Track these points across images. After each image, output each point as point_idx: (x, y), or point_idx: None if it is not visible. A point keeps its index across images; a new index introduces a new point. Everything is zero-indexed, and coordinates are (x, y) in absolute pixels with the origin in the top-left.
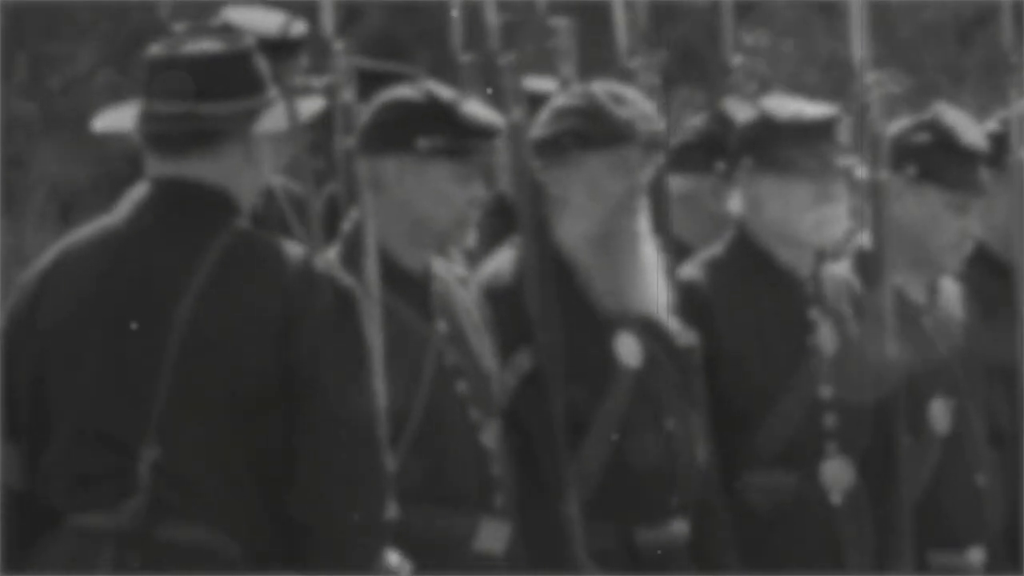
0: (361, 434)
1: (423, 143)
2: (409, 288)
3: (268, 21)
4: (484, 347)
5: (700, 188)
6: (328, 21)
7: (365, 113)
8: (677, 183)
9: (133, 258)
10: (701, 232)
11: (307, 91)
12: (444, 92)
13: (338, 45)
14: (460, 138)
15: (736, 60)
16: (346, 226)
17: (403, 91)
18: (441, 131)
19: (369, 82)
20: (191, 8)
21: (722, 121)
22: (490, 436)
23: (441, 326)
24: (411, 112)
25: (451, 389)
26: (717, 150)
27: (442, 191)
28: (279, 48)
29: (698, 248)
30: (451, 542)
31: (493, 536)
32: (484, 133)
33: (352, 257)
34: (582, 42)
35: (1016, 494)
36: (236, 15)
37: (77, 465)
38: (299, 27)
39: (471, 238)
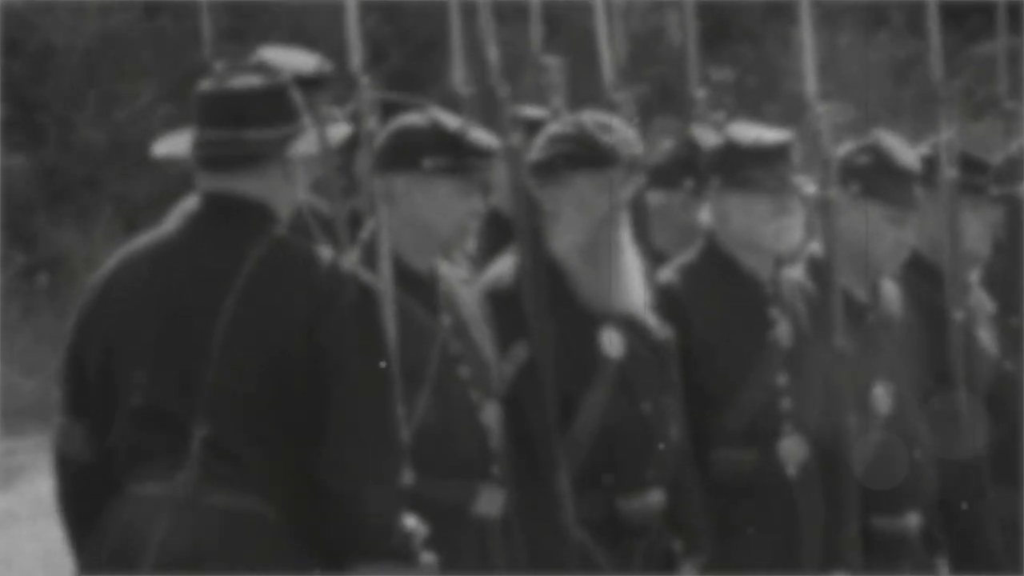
0: (380, 410)
1: (428, 163)
2: (418, 287)
3: (299, 60)
4: (484, 338)
5: (672, 202)
6: (356, 59)
7: (380, 137)
8: (652, 198)
9: (185, 261)
10: (672, 240)
11: (334, 119)
12: (447, 119)
13: (364, 80)
14: (460, 158)
15: (701, 94)
16: (364, 234)
17: (411, 118)
18: (444, 152)
19: (390, 111)
20: (231, 48)
21: (690, 145)
22: (489, 414)
23: (446, 320)
24: (418, 136)
25: (455, 374)
26: (686, 170)
27: (445, 204)
28: (309, 83)
29: (671, 254)
30: (455, 506)
31: (490, 501)
32: (481, 154)
33: (369, 260)
34: (572, 77)
35: (946, 465)
36: (270, 54)
37: (136, 440)
38: (326, 65)
39: (471, 245)
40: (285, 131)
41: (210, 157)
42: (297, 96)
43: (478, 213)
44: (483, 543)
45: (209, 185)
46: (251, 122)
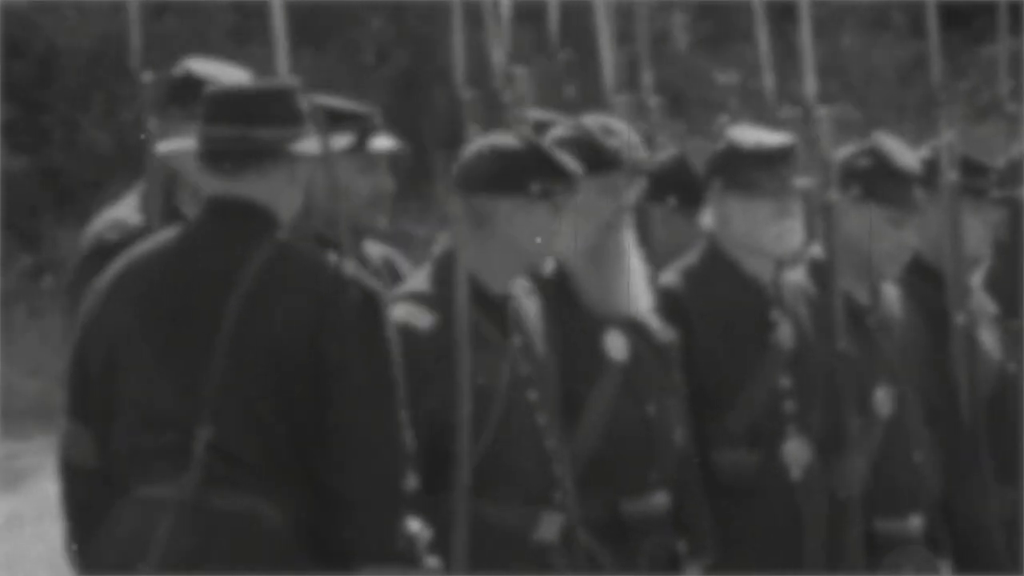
0: (383, 414)
1: (535, 187)
2: (489, 307)
3: (227, 74)
4: (548, 354)
5: (652, 215)
6: (282, 62)
7: (467, 155)
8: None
9: (188, 265)
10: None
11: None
12: (542, 142)
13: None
14: (561, 182)
15: (654, 101)
16: (436, 249)
17: (506, 139)
18: (549, 177)
19: (331, 119)
20: (235, 48)
21: (681, 162)
22: (553, 439)
23: (516, 340)
24: (523, 160)
25: (523, 397)
26: (672, 186)
27: (544, 228)
28: None
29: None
30: (515, 532)
31: (550, 527)
32: (575, 177)
33: (442, 277)
34: (578, 79)
35: (948, 469)
36: (198, 67)
37: (141, 444)
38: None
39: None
40: (290, 132)
41: (216, 154)
42: (303, 100)
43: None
44: (542, 569)
45: (213, 189)
46: (258, 121)
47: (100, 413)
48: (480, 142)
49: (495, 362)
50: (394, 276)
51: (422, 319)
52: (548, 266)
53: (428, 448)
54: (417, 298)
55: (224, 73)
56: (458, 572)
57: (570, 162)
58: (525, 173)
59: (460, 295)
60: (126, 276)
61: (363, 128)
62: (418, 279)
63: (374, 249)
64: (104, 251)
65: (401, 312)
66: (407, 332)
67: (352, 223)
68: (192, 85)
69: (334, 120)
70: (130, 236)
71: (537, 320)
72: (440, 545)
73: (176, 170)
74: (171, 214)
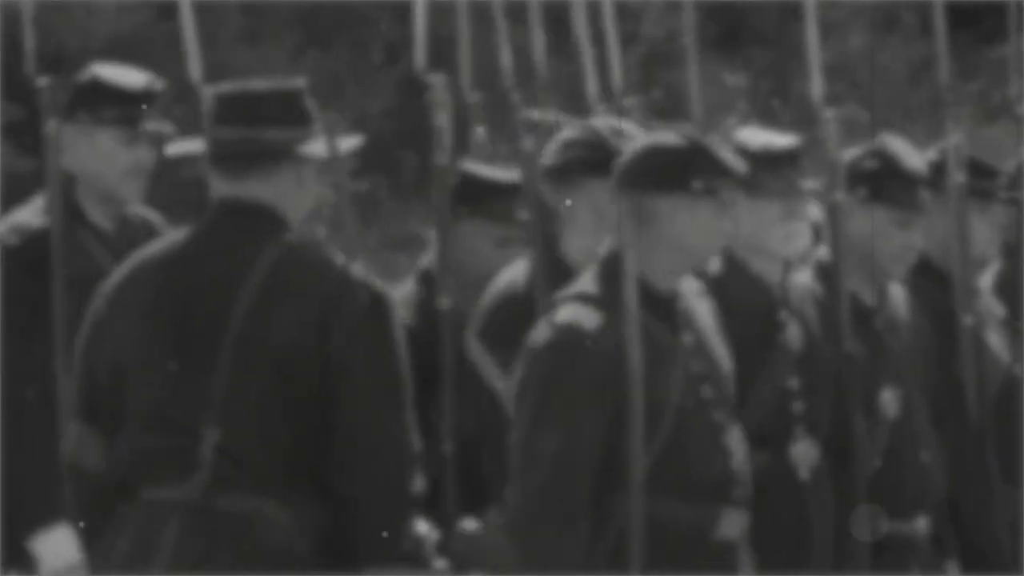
0: (390, 416)
1: (697, 184)
2: (658, 307)
3: (130, 77)
4: (723, 353)
5: None
6: (195, 69)
7: (629, 154)
8: None
9: (195, 267)
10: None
11: (166, 133)
12: (703, 138)
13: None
14: (724, 178)
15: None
16: (600, 250)
17: (667, 136)
18: (710, 173)
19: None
20: (244, 49)
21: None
22: (731, 437)
23: (687, 338)
24: (684, 157)
25: (698, 395)
26: None
27: (707, 225)
28: (138, 99)
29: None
30: (694, 531)
31: (731, 524)
32: (739, 173)
33: (608, 277)
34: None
35: (955, 468)
36: (102, 70)
37: (148, 446)
38: (157, 83)
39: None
40: (297, 133)
41: (224, 155)
42: (309, 101)
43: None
44: (725, 568)
45: (221, 189)
46: (266, 122)
47: (108, 415)
48: (642, 140)
49: (666, 361)
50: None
51: (589, 320)
52: (714, 264)
53: (602, 449)
54: (584, 299)
55: (129, 77)
56: (635, 574)
57: (733, 158)
58: (687, 170)
59: (628, 294)
60: (134, 278)
61: (133, 105)
62: (584, 280)
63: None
64: (6, 255)
65: (568, 313)
66: (575, 332)
67: (110, 193)
68: (99, 90)
69: (107, 95)
70: (32, 240)
71: (709, 318)
72: (618, 548)
73: (76, 174)
74: (74, 217)
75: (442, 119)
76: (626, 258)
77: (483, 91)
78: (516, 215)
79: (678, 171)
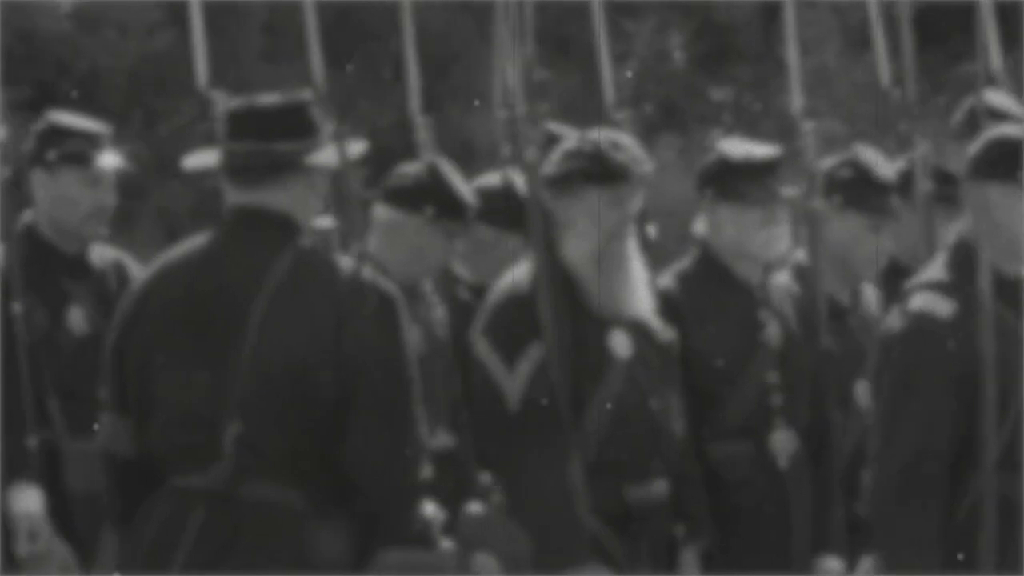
0: (398, 410)
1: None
2: (1008, 292)
3: (84, 121)
4: None
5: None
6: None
7: (976, 145)
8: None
9: (216, 271)
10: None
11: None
12: None
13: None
14: None
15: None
16: (950, 238)
17: (1006, 129)
18: None
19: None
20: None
21: (436, 173)
22: None
23: None
24: (1015, 147)
25: None
26: (429, 196)
27: None
28: (96, 140)
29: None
30: None
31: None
32: None
33: (959, 265)
34: (579, 96)
35: None
36: (58, 117)
37: (175, 437)
38: (105, 129)
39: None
40: (306, 143)
41: (238, 168)
42: (316, 113)
43: None
44: None
45: (236, 198)
46: (276, 135)
47: (137, 407)
48: (988, 131)
49: (1013, 344)
50: (122, 279)
51: (942, 307)
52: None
53: (956, 430)
54: (935, 287)
55: (83, 121)
56: (987, 548)
57: None
58: (1016, 161)
59: (983, 278)
60: (158, 281)
61: (90, 144)
62: (934, 267)
63: (105, 252)
64: None
65: (921, 301)
66: (928, 320)
67: (77, 232)
68: (57, 134)
69: (64, 136)
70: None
71: None
72: (969, 524)
73: (42, 215)
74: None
75: (428, 157)
76: (980, 247)
77: (490, 107)
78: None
79: (1007, 161)
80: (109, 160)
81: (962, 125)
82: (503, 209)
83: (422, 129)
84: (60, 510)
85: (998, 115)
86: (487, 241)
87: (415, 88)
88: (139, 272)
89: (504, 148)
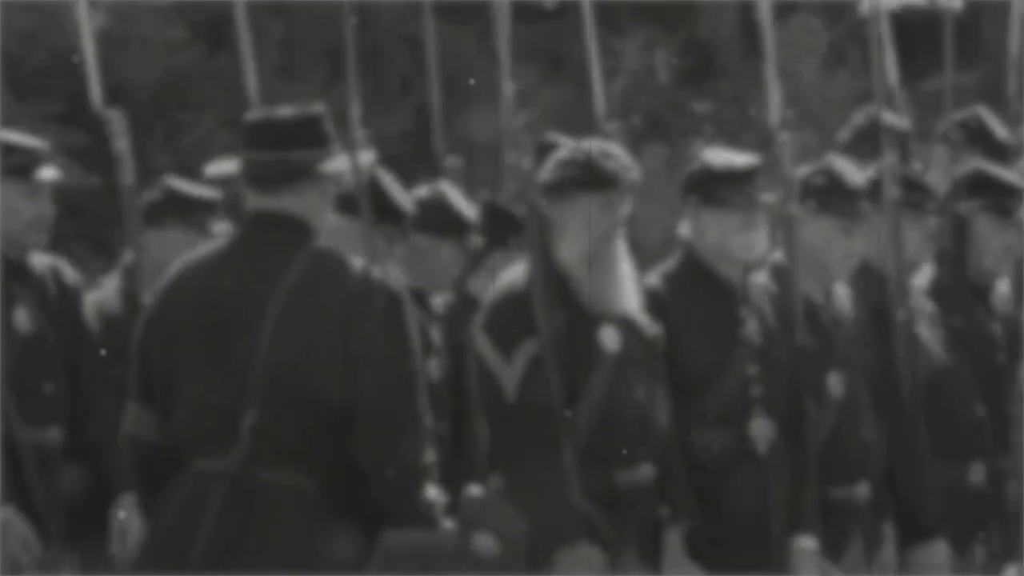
0: (404, 400)
1: None
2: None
3: (26, 140)
4: None
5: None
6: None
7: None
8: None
9: (235, 270)
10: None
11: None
12: None
13: None
14: None
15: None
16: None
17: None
18: None
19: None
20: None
21: (376, 184)
22: None
23: None
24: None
25: None
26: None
27: None
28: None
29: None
30: None
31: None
32: None
33: None
34: (572, 108)
35: (891, 442)
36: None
37: (195, 425)
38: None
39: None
40: (319, 153)
41: (257, 175)
42: (328, 125)
43: None
44: None
45: (256, 204)
46: (292, 144)
47: (161, 396)
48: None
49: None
50: (59, 282)
51: None
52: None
53: None
54: None
55: (26, 140)
56: None
57: None
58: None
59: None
60: (183, 279)
61: (31, 159)
62: None
63: (44, 258)
64: None
65: None
66: None
67: (20, 240)
68: (2, 149)
69: (6, 152)
70: None
71: None
72: None
73: None
74: None
75: (121, 144)
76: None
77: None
78: (210, 226)
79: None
80: (48, 174)
81: (849, 141)
82: (437, 220)
83: (439, 139)
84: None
85: (891, 131)
86: (423, 249)
87: (437, 107)
88: (73, 276)
89: (507, 156)
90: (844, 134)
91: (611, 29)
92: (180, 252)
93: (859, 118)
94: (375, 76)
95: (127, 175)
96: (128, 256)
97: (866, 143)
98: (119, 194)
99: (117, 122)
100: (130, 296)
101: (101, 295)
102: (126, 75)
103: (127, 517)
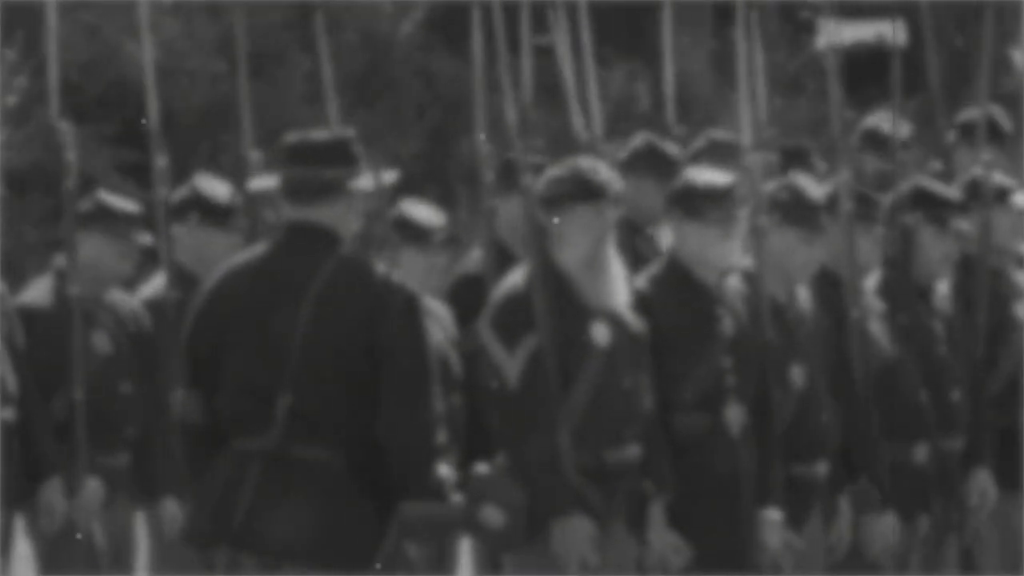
0: (420, 389)
1: None
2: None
3: None
4: None
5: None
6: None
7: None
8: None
9: (273, 272)
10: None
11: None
12: None
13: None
14: None
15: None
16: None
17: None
18: None
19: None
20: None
21: (195, 188)
22: None
23: None
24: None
25: None
26: (193, 205)
27: None
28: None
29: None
30: None
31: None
32: None
33: None
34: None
35: (846, 426)
36: None
37: (237, 408)
38: None
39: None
40: (348, 171)
41: (295, 190)
42: (356, 147)
43: None
44: None
45: (291, 214)
46: (324, 163)
47: (207, 381)
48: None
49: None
50: None
51: None
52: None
53: None
54: None
55: None
56: None
57: None
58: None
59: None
60: (226, 280)
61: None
62: None
63: None
64: None
65: None
66: None
67: None
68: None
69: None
70: None
71: None
72: None
73: None
74: None
75: (70, 156)
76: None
77: (493, 141)
78: (133, 235)
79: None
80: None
81: (626, 161)
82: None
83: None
84: None
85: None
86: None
87: (480, 120)
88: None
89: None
90: (621, 153)
91: (598, 62)
92: (105, 255)
93: (636, 141)
94: (392, 104)
95: (71, 181)
96: (59, 258)
97: (640, 162)
98: (63, 200)
99: (66, 133)
100: (60, 293)
101: (32, 294)
102: (173, 102)
103: (52, 496)
